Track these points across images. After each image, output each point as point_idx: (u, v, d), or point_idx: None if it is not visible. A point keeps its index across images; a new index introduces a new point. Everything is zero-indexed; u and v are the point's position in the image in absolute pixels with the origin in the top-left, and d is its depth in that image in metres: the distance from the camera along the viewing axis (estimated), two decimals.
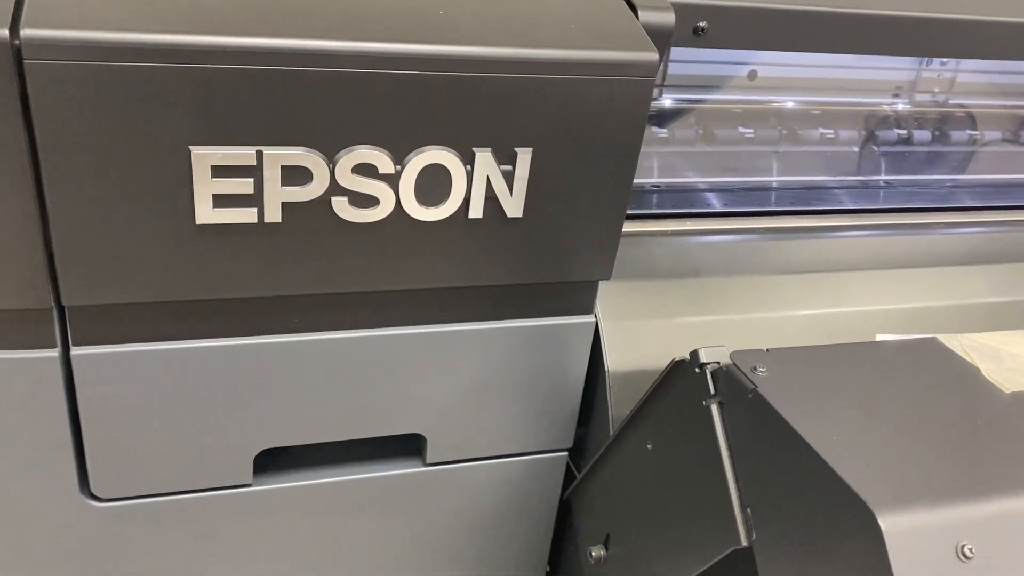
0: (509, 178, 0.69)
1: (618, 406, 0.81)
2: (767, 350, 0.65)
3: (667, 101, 1.17)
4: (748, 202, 1.14)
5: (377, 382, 0.77)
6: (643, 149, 1.14)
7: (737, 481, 0.62)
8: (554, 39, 0.67)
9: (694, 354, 0.66)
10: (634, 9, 0.72)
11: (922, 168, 1.29)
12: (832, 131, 1.23)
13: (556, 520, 0.93)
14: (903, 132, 1.27)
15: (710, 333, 0.88)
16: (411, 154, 0.66)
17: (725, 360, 0.64)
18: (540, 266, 0.75)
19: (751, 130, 1.20)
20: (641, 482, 0.75)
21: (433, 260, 0.71)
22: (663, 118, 1.18)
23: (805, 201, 1.17)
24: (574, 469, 0.90)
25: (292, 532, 0.82)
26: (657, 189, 1.09)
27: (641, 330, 0.86)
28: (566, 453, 0.88)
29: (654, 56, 0.68)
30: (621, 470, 0.79)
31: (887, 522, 0.48)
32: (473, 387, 0.81)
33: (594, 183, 0.72)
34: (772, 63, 1.23)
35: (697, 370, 0.65)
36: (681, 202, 1.08)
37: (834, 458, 0.53)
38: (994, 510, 0.50)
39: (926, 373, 0.64)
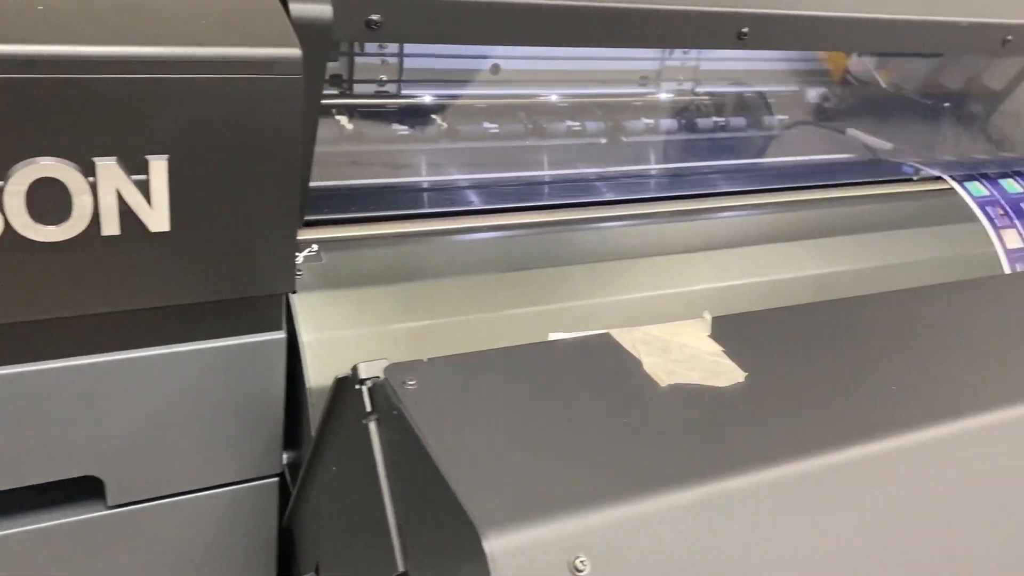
0: (145, 189, 0.63)
1: None
2: (428, 360, 0.61)
3: (406, 97, 1.14)
4: (496, 199, 1.11)
5: (31, 423, 0.69)
6: (378, 148, 1.12)
7: (395, 503, 0.58)
8: (179, 35, 0.61)
9: (355, 369, 0.62)
10: (284, 2, 0.67)
11: (674, 156, 1.31)
12: (579, 123, 1.23)
13: (281, 550, 0.87)
14: (650, 122, 1.29)
15: (428, 338, 0.84)
16: (15, 167, 0.58)
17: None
18: (203, 283, 0.69)
19: (496, 125, 1.18)
20: (333, 507, 0.71)
21: (68, 284, 0.64)
22: (404, 115, 1.14)
23: (557, 195, 1.16)
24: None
25: None
26: (392, 189, 1.05)
27: (350, 342, 0.81)
28: (276, 479, 0.82)
29: (296, 52, 0.63)
30: (317, 494, 0.74)
31: (493, 543, 0.45)
32: (154, 419, 0.74)
33: (252, 190, 0.66)
34: (514, 56, 1.22)
35: (357, 386, 0.61)
36: (419, 202, 1.04)
37: (457, 476, 0.50)
38: (612, 518, 0.49)
39: (587, 373, 0.62)
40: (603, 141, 1.25)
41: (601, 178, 1.15)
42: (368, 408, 0.60)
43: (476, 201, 1.02)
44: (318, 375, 0.79)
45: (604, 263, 0.96)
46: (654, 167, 1.23)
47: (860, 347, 0.72)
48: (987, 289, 0.90)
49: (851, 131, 1.38)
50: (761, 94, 1.39)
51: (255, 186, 0.66)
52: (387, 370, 0.59)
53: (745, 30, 0.90)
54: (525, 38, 0.83)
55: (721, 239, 1.08)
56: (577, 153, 1.23)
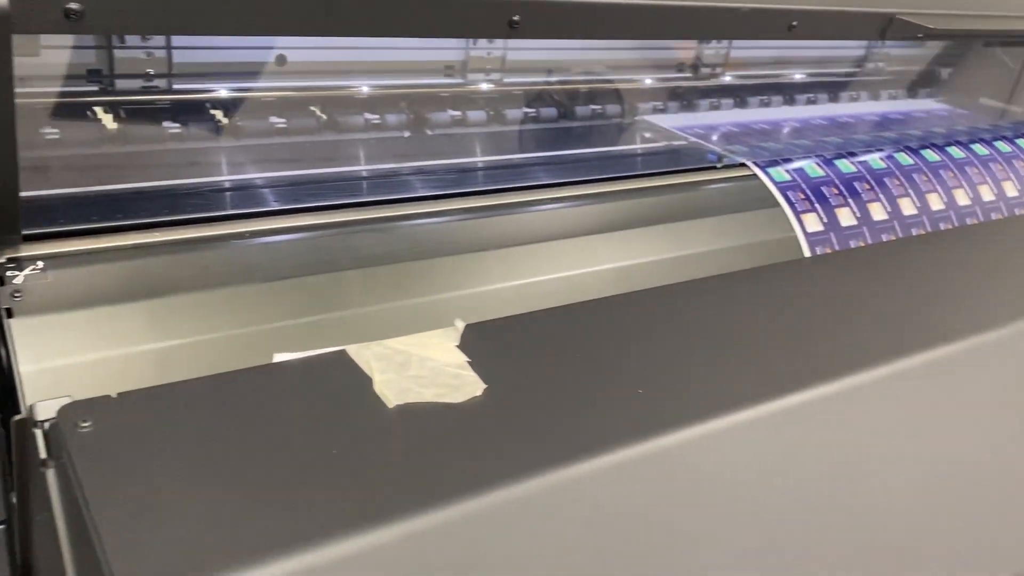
0: None
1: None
2: (117, 395, 0.54)
3: (178, 93, 1.05)
4: (277, 200, 1.03)
5: None
6: (145, 148, 1.03)
7: (75, 562, 0.51)
8: None
9: (31, 409, 0.54)
10: None
11: (481, 149, 1.26)
12: (378, 116, 1.17)
13: None
14: (457, 113, 1.24)
15: (176, 361, 0.77)
16: None
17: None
18: None
19: (283, 120, 1.10)
20: (48, 557, 0.63)
21: None
22: (177, 112, 1.05)
23: (346, 194, 1.09)
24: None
25: None
26: (140, 194, 0.94)
27: (83, 370, 0.73)
28: (2, 526, 0.73)
29: None
30: (37, 542, 0.66)
31: None
32: None
33: None
34: (305, 47, 1.14)
35: (34, 428, 0.54)
36: (176, 207, 0.94)
37: (110, 534, 0.43)
38: (288, 570, 0.43)
39: (306, 399, 0.57)
40: (406, 134, 1.20)
41: (396, 173, 1.10)
42: (43, 454, 0.52)
43: (251, 203, 0.95)
44: (44, 411, 0.70)
45: (382, 267, 0.90)
46: (459, 161, 1.19)
47: (618, 348, 0.69)
48: (767, 277, 0.90)
49: (653, 119, 1.37)
50: (574, 84, 1.36)
51: None
52: (62, 410, 0.52)
53: (516, 18, 0.86)
54: (258, 27, 0.76)
55: (522, 235, 1.05)
56: (379, 148, 1.17)
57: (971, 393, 0.79)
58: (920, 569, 0.67)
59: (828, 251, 1.19)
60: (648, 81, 1.46)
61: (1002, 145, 1.48)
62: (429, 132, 1.22)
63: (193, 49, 1.06)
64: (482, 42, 1.25)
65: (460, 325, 0.67)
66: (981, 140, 1.47)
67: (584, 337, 0.70)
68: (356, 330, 0.85)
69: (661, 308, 0.79)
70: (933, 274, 0.97)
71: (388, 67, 1.22)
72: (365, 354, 0.62)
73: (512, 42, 1.27)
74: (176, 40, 1.03)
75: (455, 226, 1.02)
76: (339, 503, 0.48)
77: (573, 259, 1.07)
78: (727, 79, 1.55)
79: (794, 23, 1.07)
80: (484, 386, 0.60)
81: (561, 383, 0.63)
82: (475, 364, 0.63)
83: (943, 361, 0.78)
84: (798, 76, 1.64)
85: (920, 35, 1.17)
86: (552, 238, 1.06)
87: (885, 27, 1.14)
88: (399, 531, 0.47)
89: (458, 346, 0.65)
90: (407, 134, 1.20)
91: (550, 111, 1.32)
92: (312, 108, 1.14)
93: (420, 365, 0.61)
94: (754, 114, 1.52)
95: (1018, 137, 1.53)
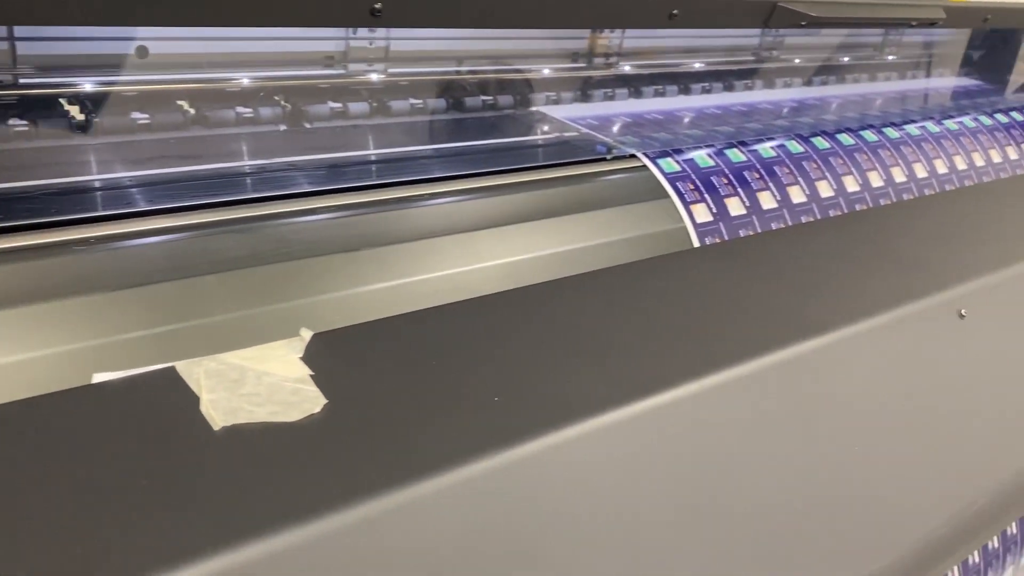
0: None
1: None
2: None
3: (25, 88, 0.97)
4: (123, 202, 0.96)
5: None
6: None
7: None
8: None
9: None
10: None
11: (365, 142, 1.22)
12: (251, 110, 1.12)
13: None
14: (338, 106, 1.19)
15: None
16: None
17: None
18: None
19: (146, 115, 1.04)
20: None
21: None
22: (24, 108, 0.98)
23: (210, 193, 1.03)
24: None
25: None
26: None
27: None
28: None
29: None
30: None
31: None
32: None
33: None
34: (170, 37, 1.08)
35: None
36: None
37: None
38: None
39: (121, 425, 0.52)
40: (282, 128, 1.15)
41: (266, 169, 1.04)
42: None
43: (104, 206, 0.89)
44: None
45: (244, 270, 0.85)
46: (338, 155, 1.14)
47: (480, 352, 0.66)
48: (637, 271, 0.88)
49: (547, 109, 1.35)
50: (464, 75, 1.33)
51: None
52: None
53: (378, 5, 0.82)
54: (106, 17, 0.71)
55: (401, 232, 1.01)
56: (252, 143, 1.11)
57: (840, 387, 0.79)
58: (785, 567, 0.66)
59: (717, 241, 1.18)
60: (546, 71, 1.43)
61: (890, 131, 1.50)
62: (308, 125, 1.17)
63: (42, 40, 0.98)
64: (363, 31, 1.20)
65: (306, 335, 0.63)
66: (871, 127, 1.49)
67: (447, 342, 0.67)
68: (215, 340, 0.80)
69: (530, 307, 0.76)
70: (813, 264, 0.97)
71: (263, 59, 1.16)
72: (196, 371, 0.57)
73: (396, 31, 1.22)
74: (21, 31, 0.96)
75: (329, 224, 0.97)
76: (138, 540, 0.43)
77: (456, 257, 1.03)
78: (627, 68, 1.54)
79: (675, 11, 1.06)
80: (325, 401, 0.56)
81: (412, 393, 0.59)
82: (319, 377, 0.59)
83: (810, 355, 0.77)
84: (697, 65, 1.64)
85: (803, 23, 1.17)
86: (434, 235, 1.03)
87: (768, 15, 1.14)
88: (198, 571, 0.43)
89: (303, 358, 0.61)
90: (283, 128, 1.14)
91: (438, 103, 1.28)
92: (179, 103, 1.08)
93: (256, 381, 0.57)
94: (649, 104, 1.51)
95: (907, 123, 1.55)
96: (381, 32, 1.22)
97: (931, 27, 1.26)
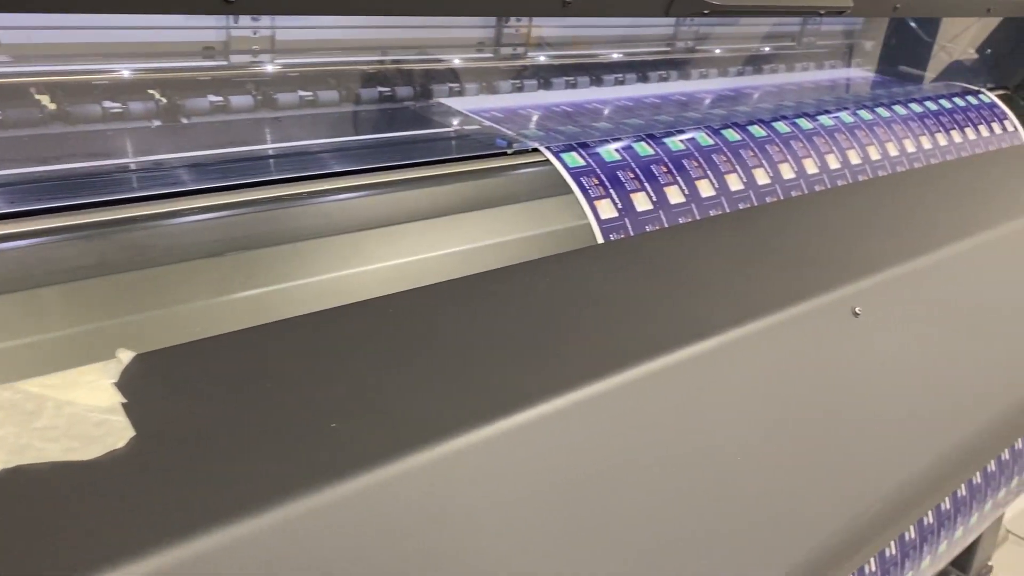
0: None
1: None
2: None
3: None
4: None
5: None
6: None
7: None
8: None
9: None
10: None
11: (249, 138, 1.15)
12: (119, 104, 1.04)
13: None
14: (218, 99, 1.12)
15: None
16: None
17: None
18: None
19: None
20: None
21: None
22: None
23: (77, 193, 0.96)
24: None
25: None
26: None
27: None
28: None
29: None
30: None
31: None
32: None
33: None
34: (14, 26, 0.99)
35: None
36: None
37: None
38: None
39: None
40: (155, 124, 1.07)
41: (127, 168, 0.97)
42: None
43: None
44: None
45: (90, 280, 0.78)
46: (215, 152, 1.07)
47: (329, 370, 0.60)
48: (530, 271, 0.84)
49: (449, 101, 1.29)
50: (359, 65, 1.26)
51: None
52: None
53: None
54: None
55: (278, 234, 0.94)
56: (119, 140, 1.04)
57: (731, 388, 0.75)
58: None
59: (622, 237, 1.14)
60: (453, 61, 1.38)
61: (803, 122, 1.48)
62: (185, 121, 1.09)
63: None
64: (245, 19, 1.13)
65: (124, 357, 0.56)
66: (784, 118, 1.46)
67: (291, 358, 0.61)
68: (52, 357, 0.73)
69: (399, 314, 0.71)
70: (710, 262, 0.94)
71: (135, 49, 1.08)
72: (4, 396, 0.50)
73: (282, 19, 1.15)
74: None
75: (196, 227, 0.90)
76: None
77: (342, 258, 0.97)
78: (540, 59, 1.49)
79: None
80: (132, 434, 0.50)
81: (237, 422, 0.53)
82: (133, 405, 0.52)
83: (700, 357, 0.73)
84: (615, 55, 1.60)
85: (705, 11, 1.13)
86: (316, 236, 0.96)
87: (668, 3, 1.10)
88: None
89: (119, 383, 0.54)
90: (156, 123, 1.07)
91: (330, 95, 1.21)
92: (38, 97, 1.00)
93: (56, 412, 0.50)
94: (559, 96, 1.46)
95: (820, 114, 1.53)
96: (266, 21, 1.15)
97: (839, 16, 1.23)
